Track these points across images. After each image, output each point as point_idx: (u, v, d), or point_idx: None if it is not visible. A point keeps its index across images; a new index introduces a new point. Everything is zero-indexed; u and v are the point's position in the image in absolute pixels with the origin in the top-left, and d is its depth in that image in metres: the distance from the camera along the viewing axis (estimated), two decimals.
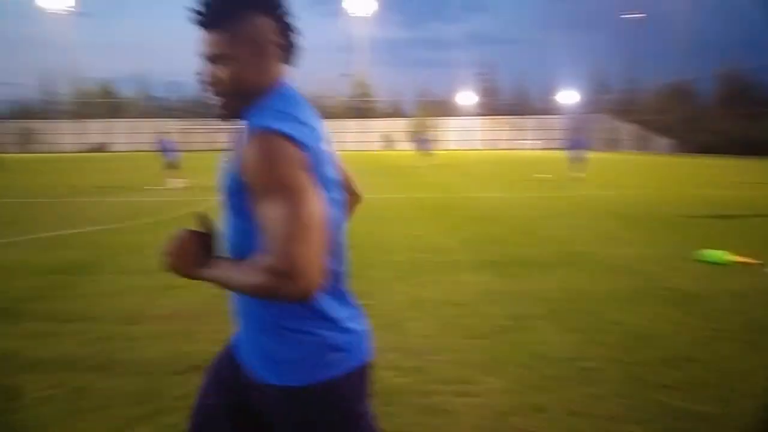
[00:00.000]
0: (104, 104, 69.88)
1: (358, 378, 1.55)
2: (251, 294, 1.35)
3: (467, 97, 73.57)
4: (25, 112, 68.32)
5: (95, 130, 65.85)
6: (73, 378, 3.81)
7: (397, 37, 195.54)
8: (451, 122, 70.15)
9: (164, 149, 19.19)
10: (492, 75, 79.35)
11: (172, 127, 61.07)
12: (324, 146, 1.48)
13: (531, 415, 3.31)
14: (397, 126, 68.14)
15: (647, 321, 4.96)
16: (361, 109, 72.97)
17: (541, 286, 6.14)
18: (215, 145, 59.45)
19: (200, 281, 1.45)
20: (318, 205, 1.33)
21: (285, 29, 1.49)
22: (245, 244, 1.43)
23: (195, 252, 1.45)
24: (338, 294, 1.52)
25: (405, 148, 60.91)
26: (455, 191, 16.89)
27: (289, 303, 1.35)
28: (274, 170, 1.31)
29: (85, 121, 66.45)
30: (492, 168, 27.71)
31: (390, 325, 4.86)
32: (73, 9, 70.70)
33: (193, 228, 1.49)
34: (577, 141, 23.44)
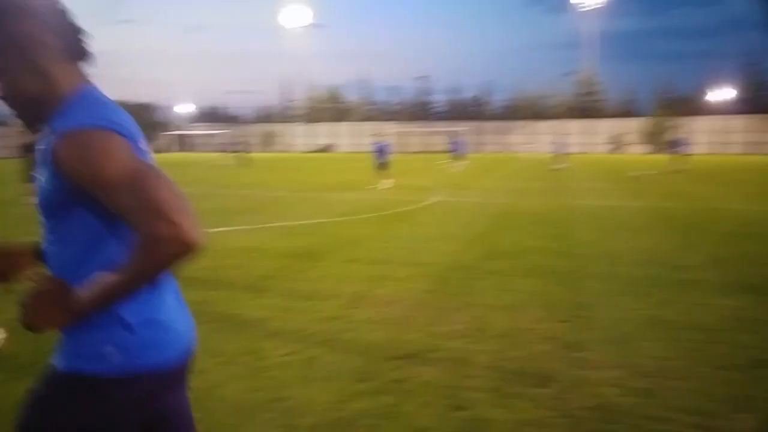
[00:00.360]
0: (331, 109, 77.14)
1: (133, 385, 1.38)
2: (153, 276, 1.27)
3: (723, 93, 62.42)
4: (267, 116, 78.79)
5: (323, 133, 72.98)
6: (305, 349, 4.24)
7: (632, 29, 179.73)
8: (700, 122, 60.99)
9: (378, 151, 20.34)
10: (758, 65, 67.25)
11: (389, 129, 65.12)
12: (143, 146, 1.42)
13: None
14: (628, 127, 61.98)
15: None
16: (586, 109, 68.49)
17: None
18: (431, 148, 61.89)
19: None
20: (163, 176, 1.31)
21: (61, 28, 1.39)
22: (82, 251, 1.38)
23: (56, 296, 1.33)
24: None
25: (637, 151, 56.02)
26: (703, 201, 14.65)
27: (189, 258, 1.26)
28: (110, 160, 1.27)
29: (315, 125, 74.06)
30: (754, 176, 23.77)
31: (613, 340, 4.47)
32: (309, 23, 79.47)
33: (33, 279, 1.40)
34: None
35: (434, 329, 4.71)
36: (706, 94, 64.45)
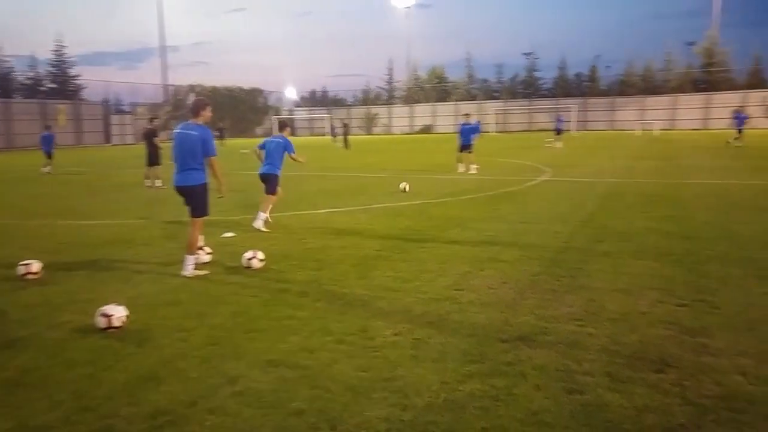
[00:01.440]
0: (434, 89, 76.50)
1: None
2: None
3: None
4: (370, 98, 79.51)
5: (424, 113, 72.69)
6: (413, 330, 4.33)
7: None
8: None
9: (462, 133, 18.09)
10: None
11: (491, 108, 63.67)
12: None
13: None
14: (754, 99, 56.40)
15: None
16: (707, 81, 62.98)
17: None
18: (536, 126, 60.03)
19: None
20: None
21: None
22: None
23: None
24: None
25: (760, 125, 50.96)
26: None
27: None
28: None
29: (417, 105, 73.90)
30: None
31: (744, 328, 4.22)
32: (414, 2, 78.80)
33: None
34: None
35: (545, 312, 4.65)
36: None
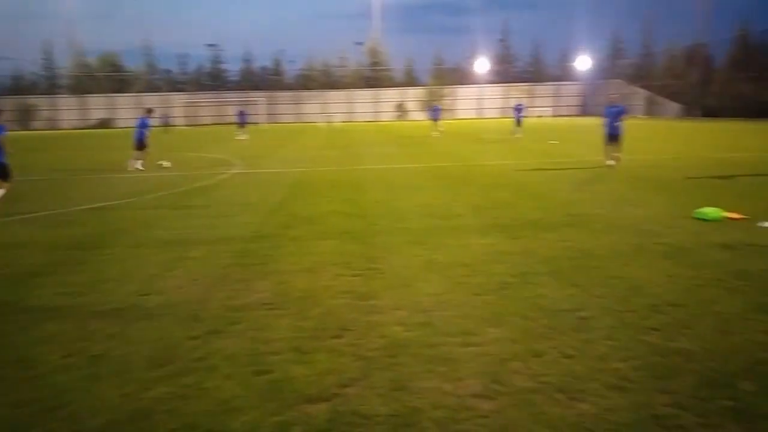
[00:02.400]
0: (108, 78, 69.25)
1: None
2: None
3: (482, 65, 71.23)
4: (24, 87, 67.10)
5: (98, 105, 65.45)
6: (89, 347, 3.90)
7: (415, 3, 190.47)
8: (466, 90, 68.78)
9: (140, 126, 16.68)
10: (507, 41, 77.52)
11: (178, 100, 60.98)
12: None
13: (529, 360, 3.48)
14: (411, 95, 67.02)
15: (643, 274, 5.12)
16: (374, 78, 71.76)
17: (547, 245, 6.22)
18: (224, 119, 59.47)
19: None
20: None
21: None
22: None
23: None
24: None
25: (419, 117, 60.28)
26: (466, 160, 16.84)
27: None
28: None
29: (88, 97, 65.98)
30: (506, 136, 27.38)
31: (401, 285, 4.98)
32: None
33: None
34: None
35: (235, 302, 4.73)
36: (470, 65, 72.65)
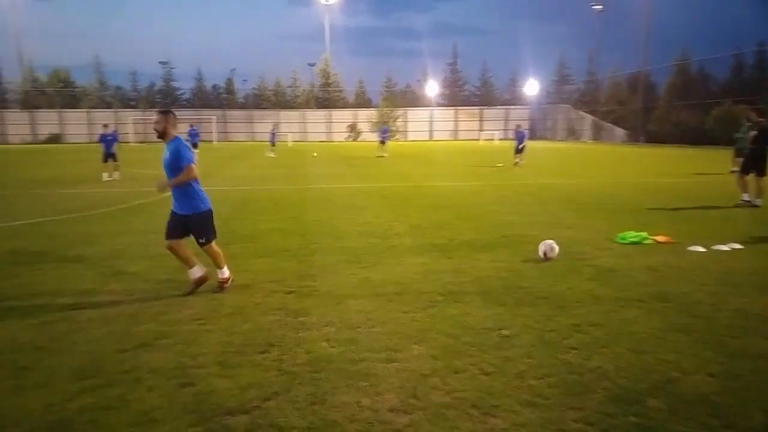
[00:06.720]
0: (59, 94, 67.45)
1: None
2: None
3: (432, 88, 73.38)
4: None
5: (47, 121, 63.72)
6: (16, 359, 3.94)
7: (366, 26, 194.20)
8: (415, 113, 70.33)
9: (102, 141, 18.46)
10: (457, 65, 79.75)
11: (130, 117, 59.77)
12: None
13: (448, 376, 3.65)
14: (362, 116, 67.82)
15: (569, 294, 5.38)
16: (326, 99, 72.44)
17: (480, 265, 6.49)
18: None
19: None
20: None
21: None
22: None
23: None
24: None
25: (369, 138, 60.85)
26: (411, 181, 17.23)
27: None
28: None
29: (36, 112, 64.24)
30: (451, 158, 28.10)
31: (332, 303, 5.14)
32: None
33: None
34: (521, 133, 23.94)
35: (167, 317, 4.79)
36: (420, 88, 75.00)
